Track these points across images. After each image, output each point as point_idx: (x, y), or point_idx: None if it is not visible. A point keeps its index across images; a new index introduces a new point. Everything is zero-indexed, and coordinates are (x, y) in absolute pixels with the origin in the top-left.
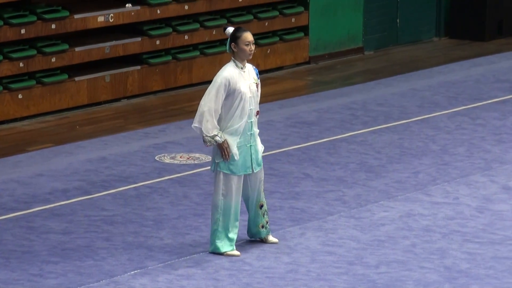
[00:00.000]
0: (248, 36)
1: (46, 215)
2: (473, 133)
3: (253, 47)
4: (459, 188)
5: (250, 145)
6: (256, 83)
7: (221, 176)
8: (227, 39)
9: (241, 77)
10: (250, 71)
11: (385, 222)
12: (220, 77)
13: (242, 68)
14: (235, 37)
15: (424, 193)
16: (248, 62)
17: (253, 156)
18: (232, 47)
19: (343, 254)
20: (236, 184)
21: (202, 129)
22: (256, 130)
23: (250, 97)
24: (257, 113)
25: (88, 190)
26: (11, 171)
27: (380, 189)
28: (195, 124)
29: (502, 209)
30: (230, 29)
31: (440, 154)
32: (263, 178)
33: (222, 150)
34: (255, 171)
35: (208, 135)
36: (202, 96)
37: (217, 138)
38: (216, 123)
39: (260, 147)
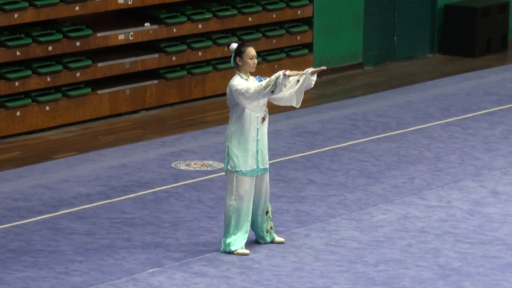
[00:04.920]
0: (251, 50)
1: (71, 217)
2: (464, 142)
3: (256, 61)
4: (452, 193)
5: (257, 150)
6: None
7: (234, 178)
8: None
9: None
10: (253, 81)
11: (383, 224)
12: (236, 83)
13: (247, 79)
14: (240, 51)
15: (419, 197)
16: (251, 75)
17: (259, 159)
18: (237, 61)
19: (344, 253)
20: (248, 186)
21: (264, 87)
22: (263, 135)
23: (255, 105)
24: (263, 119)
25: (109, 195)
26: (39, 177)
27: (379, 193)
28: (254, 95)
29: (491, 212)
30: (234, 45)
31: (434, 161)
32: (268, 185)
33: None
34: (259, 174)
35: (269, 82)
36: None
37: (279, 74)
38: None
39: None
